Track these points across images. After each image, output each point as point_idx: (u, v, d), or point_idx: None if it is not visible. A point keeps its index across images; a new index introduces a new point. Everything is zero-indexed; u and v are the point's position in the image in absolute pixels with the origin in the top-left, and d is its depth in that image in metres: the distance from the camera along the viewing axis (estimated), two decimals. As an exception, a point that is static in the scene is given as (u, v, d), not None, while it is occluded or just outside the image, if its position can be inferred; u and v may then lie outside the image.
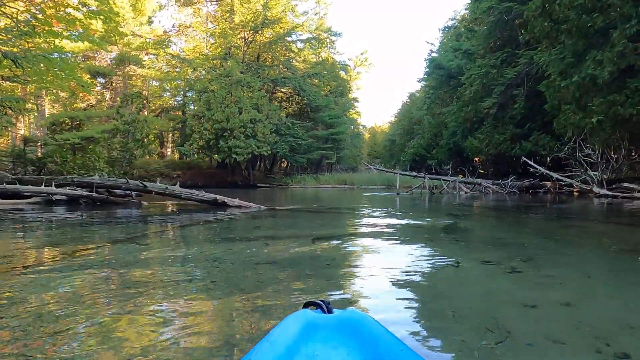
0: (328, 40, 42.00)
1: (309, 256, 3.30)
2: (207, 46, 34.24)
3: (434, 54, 35.42)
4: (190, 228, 5.43)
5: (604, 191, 12.37)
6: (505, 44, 24.45)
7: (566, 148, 14.94)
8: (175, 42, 36.50)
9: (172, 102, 37.71)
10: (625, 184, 12.65)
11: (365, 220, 6.18)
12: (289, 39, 33.05)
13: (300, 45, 36.49)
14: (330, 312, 1.02)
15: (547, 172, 16.17)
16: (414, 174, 17.18)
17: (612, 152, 13.57)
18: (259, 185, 30.10)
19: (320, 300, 1.05)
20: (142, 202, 9.22)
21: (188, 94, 30.76)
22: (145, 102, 37.01)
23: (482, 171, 27.37)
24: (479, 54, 25.01)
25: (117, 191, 9.18)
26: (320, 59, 39.57)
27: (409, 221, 6.26)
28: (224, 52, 30.24)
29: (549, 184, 18.06)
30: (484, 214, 7.55)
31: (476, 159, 34.05)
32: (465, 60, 28.32)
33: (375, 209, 8.42)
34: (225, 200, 7.61)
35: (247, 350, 0.87)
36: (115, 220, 6.22)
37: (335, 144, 36.03)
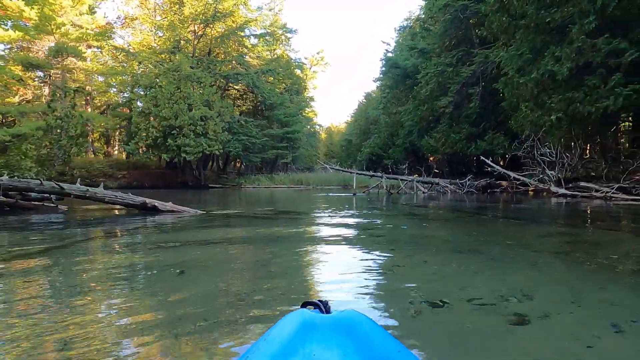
0: (283, 37, 41.09)
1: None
2: (155, 40, 32.45)
3: (390, 54, 35.15)
4: (95, 241, 4.37)
5: (563, 190, 12.13)
6: (461, 43, 24.39)
7: (524, 147, 14.67)
8: (122, 36, 34.52)
9: (119, 99, 35.55)
10: (582, 183, 12.48)
11: (314, 228, 5.29)
12: (242, 34, 31.79)
13: (254, 41, 35.34)
14: (328, 312, 1.01)
15: (505, 171, 15.93)
16: (371, 173, 16.56)
17: (569, 151, 13.39)
18: (210, 185, 28.77)
19: (318, 300, 1.03)
20: (63, 206, 7.95)
21: (135, 90, 28.83)
22: (88, 97, 34.89)
23: (437, 171, 27.28)
24: (434, 52, 24.82)
25: (33, 194, 7.89)
26: (275, 55, 38.54)
27: (366, 227, 5.44)
28: (172, 45, 28.63)
29: (505, 183, 17.93)
30: (443, 217, 6.88)
31: (431, 158, 34.25)
32: (421, 59, 28.13)
33: (328, 212, 7.61)
34: (156, 204, 6.55)
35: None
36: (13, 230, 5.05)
37: (291, 143, 35.11)
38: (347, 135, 58.92)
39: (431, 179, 16.84)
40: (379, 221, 5.99)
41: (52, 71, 27.20)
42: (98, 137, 41.07)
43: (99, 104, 36.72)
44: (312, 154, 47.73)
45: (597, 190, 11.60)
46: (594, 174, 13.19)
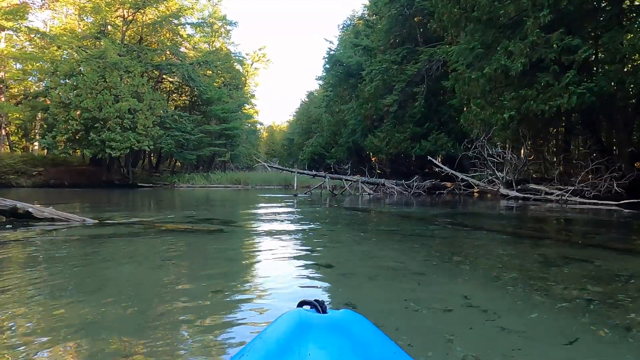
0: (223, 30, 39.17)
1: None
2: (80, 25, 29.42)
3: (333, 52, 34.27)
4: None
5: (514, 193, 11.59)
6: (405, 42, 23.87)
7: (472, 147, 14.08)
8: (45, 20, 31.09)
9: (37, 88, 31.96)
10: (532, 185, 12.01)
11: (229, 254, 3.88)
12: (176, 22, 29.53)
13: (190, 31, 33.19)
14: (324, 311, 0.99)
15: (453, 172, 15.35)
16: (314, 173, 15.40)
17: (517, 152, 12.91)
18: (139, 185, 26.38)
19: (315, 300, 1.01)
20: None
21: (52, 78, 25.77)
22: (1, 86, 31.10)
23: (379, 171, 26.65)
24: (379, 49, 24.15)
25: None
26: (213, 48, 36.50)
27: (302, 244, 4.22)
28: (97, 30, 25.98)
29: (450, 184, 17.45)
30: (391, 226, 5.84)
31: (373, 158, 33.80)
32: (365, 57, 27.46)
33: (260, 219, 6.37)
34: (31, 210, 4.93)
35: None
36: None
37: (229, 140, 33.32)
38: (289, 135, 58.04)
39: (376, 180, 15.95)
40: (318, 236, 4.78)
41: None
42: (15, 130, 37.08)
43: (16, 93, 32.84)
44: (252, 153, 46.03)
45: (548, 193, 11.12)
46: (542, 176, 12.82)
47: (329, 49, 33.85)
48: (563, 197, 10.16)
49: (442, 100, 23.60)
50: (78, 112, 22.99)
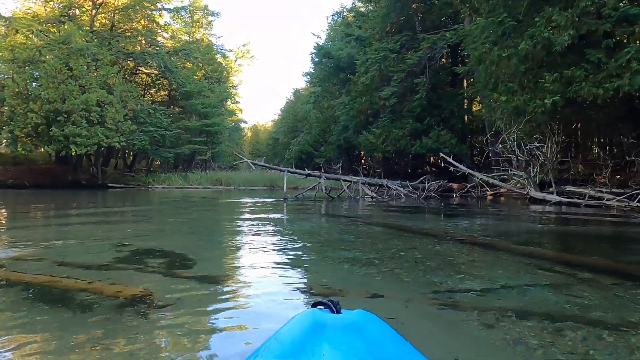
0: (204, 20, 36.78)
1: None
2: (45, 9, 26.65)
3: (322, 45, 32.04)
4: None
5: (553, 197, 9.52)
6: (403, 30, 21.81)
7: (489, 143, 11.94)
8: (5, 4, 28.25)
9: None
10: (571, 188, 9.99)
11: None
12: (151, 7, 26.94)
13: (168, 19, 30.64)
14: (338, 312, 0.98)
15: (471, 172, 13.25)
16: (307, 172, 13.18)
17: (546, 148, 10.83)
18: (110, 185, 23.80)
19: (329, 300, 1.01)
20: None
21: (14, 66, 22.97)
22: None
23: (377, 171, 24.56)
24: (374, 38, 22.04)
25: None
26: (194, 39, 34.02)
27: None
28: (60, 12, 23.33)
29: (456, 186, 15.44)
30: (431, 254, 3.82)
31: (362, 159, 31.79)
32: (358, 48, 25.38)
33: (231, 243, 4.22)
34: None
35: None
36: None
37: (210, 138, 30.85)
38: (274, 134, 56.12)
39: (378, 180, 13.79)
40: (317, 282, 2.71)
41: None
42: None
43: None
44: (236, 152, 43.65)
45: (594, 197, 9.10)
46: (574, 177, 10.86)
47: (316, 43, 31.66)
48: (629, 204, 8.07)
49: (443, 93, 21.66)
50: (38, 104, 20.33)
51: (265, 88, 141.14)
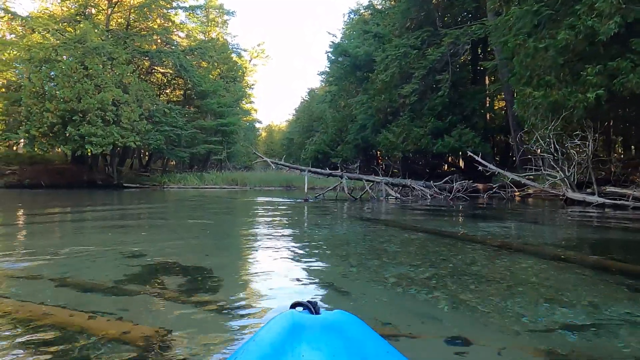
0: (219, 19, 36.53)
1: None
2: (61, 8, 26.60)
3: (338, 42, 31.49)
4: None
5: (595, 198, 8.84)
6: (423, 26, 21.16)
7: (530, 142, 11.21)
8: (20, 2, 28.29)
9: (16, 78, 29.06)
10: (611, 188, 9.30)
11: None
12: (167, 5, 26.69)
13: (183, 18, 30.41)
14: (317, 312, 0.97)
15: (500, 170, 12.59)
16: (328, 172, 12.67)
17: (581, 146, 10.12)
18: (125, 185, 23.62)
19: (308, 301, 0.99)
20: None
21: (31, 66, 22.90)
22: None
23: (394, 170, 23.94)
24: (393, 34, 21.41)
25: None
26: (209, 38, 33.77)
27: None
28: (76, 11, 23.18)
29: (481, 186, 14.77)
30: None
31: (379, 158, 31.13)
32: (376, 46, 24.79)
33: (253, 263, 3.63)
34: None
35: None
36: None
37: (225, 138, 30.52)
38: (289, 134, 55.75)
39: (402, 181, 13.18)
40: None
41: None
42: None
43: None
44: (251, 152, 43.34)
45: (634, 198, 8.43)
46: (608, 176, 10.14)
47: (332, 42, 31.12)
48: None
49: (465, 91, 20.96)
50: (54, 103, 20.19)
51: (280, 88, 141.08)
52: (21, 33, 26.07)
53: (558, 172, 9.92)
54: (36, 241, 4.20)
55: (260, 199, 13.40)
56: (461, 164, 28.19)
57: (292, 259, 3.21)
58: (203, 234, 4.90)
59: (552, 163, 10.15)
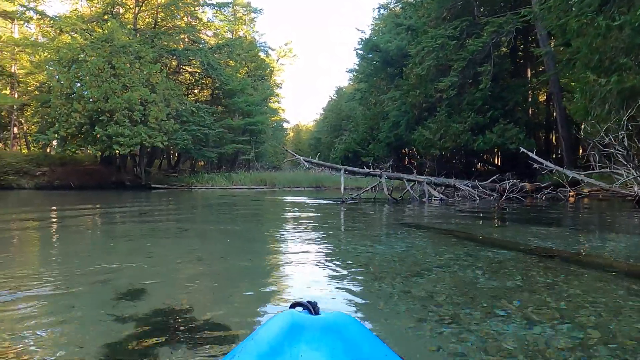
0: (246, 18, 36.05)
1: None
2: (90, 9, 26.54)
3: (369, 37, 30.47)
4: None
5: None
6: (460, 16, 19.95)
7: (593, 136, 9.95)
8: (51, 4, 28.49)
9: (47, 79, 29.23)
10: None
11: None
12: (194, 2, 26.26)
13: (210, 15, 30.01)
14: (317, 313, 0.98)
15: (558, 168, 11.36)
16: (367, 170, 11.74)
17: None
18: (153, 186, 23.28)
19: (307, 301, 0.99)
20: None
21: (52, 65, 22.82)
22: (12, 80, 28.63)
23: (427, 169, 22.79)
24: (429, 25, 20.26)
25: None
26: (236, 37, 33.30)
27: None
28: (103, 10, 22.95)
29: (529, 185, 13.53)
30: None
31: (408, 156, 29.93)
32: (409, 39, 23.72)
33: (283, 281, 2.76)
34: None
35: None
36: None
37: (254, 137, 29.93)
38: (317, 133, 55.10)
39: (446, 180, 12.11)
40: None
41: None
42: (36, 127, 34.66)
43: (31, 89, 30.05)
44: (279, 152, 42.72)
45: None
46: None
47: (360, 39, 30.11)
48: None
49: (507, 84, 19.67)
50: (81, 103, 19.94)
51: (306, 88, 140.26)
52: (52, 35, 26.20)
53: (631, 169, 8.69)
54: (29, 262, 3.46)
55: (291, 199, 12.60)
56: (497, 161, 26.84)
57: (346, 301, 2.32)
58: (229, 252, 4.09)
59: (622, 160, 8.92)
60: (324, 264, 3.10)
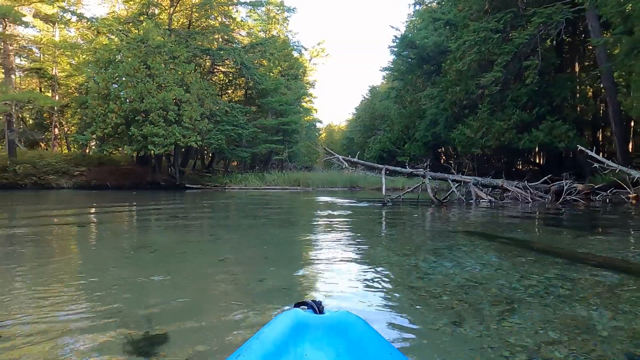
0: (280, 17, 35.84)
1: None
2: (126, 10, 26.85)
3: (404, 34, 29.67)
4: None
5: None
6: (503, 8, 18.95)
7: None
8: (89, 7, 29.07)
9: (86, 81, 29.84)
10: None
11: None
12: (228, 3, 26.16)
13: (244, 15, 29.90)
14: (321, 312, 0.97)
15: (623, 168, 10.40)
16: (409, 170, 11.07)
17: None
18: (187, 186, 23.31)
19: (312, 301, 0.99)
20: None
21: (89, 67, 23.13)
22: (53, 82, 29.35)
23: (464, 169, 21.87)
24: (470, 18, 19.36)
25: None
26: (270, 36, 33.11)
27: None
28: (138, 11, 23.09)
29: (581, 186, 12.54)
30: None
31: (442, 156, 28.92)
32: (448, 34, 22.87)
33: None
34: None
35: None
36: None
37: (287, 137, 29.62)
38: (349, 134, 54.63)
39: (493, 181, 11.31)
40: None
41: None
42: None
43: (71, 91, 30.76)
44: (312, 152, 42.31)
45: None
46: None
47: (395, 36, 29.32)
48: None
49: (553, 79, 18.54)
50: (117, 104, 20.08)
51: (338, 87, 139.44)
52: (90, 37, 26.68)
53: None
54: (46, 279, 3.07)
55: (327, 200, 12.10)
56: (539, 160, 25.60)
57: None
58: (265, 270, 3.60)
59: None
60: (384, 290, 2.56)
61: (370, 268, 3.10)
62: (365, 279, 2.74)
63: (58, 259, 3.54)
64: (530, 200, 10.19)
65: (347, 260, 3.38)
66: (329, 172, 26.38)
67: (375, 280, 2.73)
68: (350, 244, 4.29)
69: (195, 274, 2.97)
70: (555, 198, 10.46)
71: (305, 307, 0.99)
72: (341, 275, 2.84)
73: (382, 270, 3.03)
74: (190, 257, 3.61)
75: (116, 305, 2.16)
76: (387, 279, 2.75)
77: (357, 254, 3.75)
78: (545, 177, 11.68)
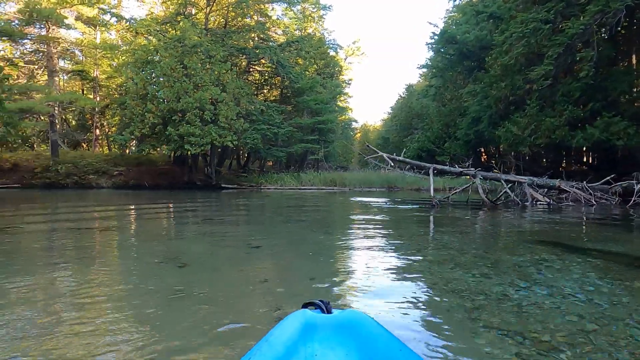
0: (316, 16, 35.50)
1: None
2: (164, 11, 27.12)
3: (444, 30, 28.69)
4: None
5: None
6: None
7: None
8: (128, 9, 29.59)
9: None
10: None
11: None
12: (264, 1, 25.98)
13: (279, 13, 29.68)
14: (329, 312, 0.96)
15: None
16: (459, 169, 10.36)
17: None
18: (223, 186, 23.26)
19: (320, 300, 0.98)
20: None
21: (128, 67, 23.41)
22: (94, 84, 30.05)
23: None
24: (516, 9, 18.34)
25: None
26: (305, 34, 32.80)
27: None
28: (175, 11, 23.19)
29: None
30: None
31: (483, 156, 27.75)
32: (489, 29, 21.86)
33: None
34: None
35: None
36: None
37: (322, 136, 29.15)
38: (385, 133, 53.65)
39: (549, 181, 10.44)
40: None
41: (29, 43, 22.07)
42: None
43: (111, 92, 31.41)
44: (348, 152, 41.71)
45: None
46: None
47: (433, 33, 28.33)
48: None
49: (608, 72, 17.29)
50: (155, 104, 20.18)
51: (373, 86, 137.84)
52: (129, 39, 27.11)
53: None
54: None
55: (367, 201, 11.54)
56: (589, 159, 24.14)
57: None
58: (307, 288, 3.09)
59: None
60: (480, 332, 1.98)
61: (451, 298, 2.50)
62: (450, 317, 2.15)
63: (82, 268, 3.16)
64: (595, 202, 9.31)
65: (417, 288, 2.79)
66: (365, 172, 25.77)
67: (470, 319, 2.13)
68: (411, 260, 3.65)
69: (232, 302, 2.50)
70: (622, 200, 9.51)
71: (313, 307, 0.96)
72: (415, 311, 2.25)
73: (468, 300, 2.41)
74: (226, 275, 3.16)
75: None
76: (478, 315, 2.13)
77: (426, 275, 3.08)
78: (608, 177, 10.68)
